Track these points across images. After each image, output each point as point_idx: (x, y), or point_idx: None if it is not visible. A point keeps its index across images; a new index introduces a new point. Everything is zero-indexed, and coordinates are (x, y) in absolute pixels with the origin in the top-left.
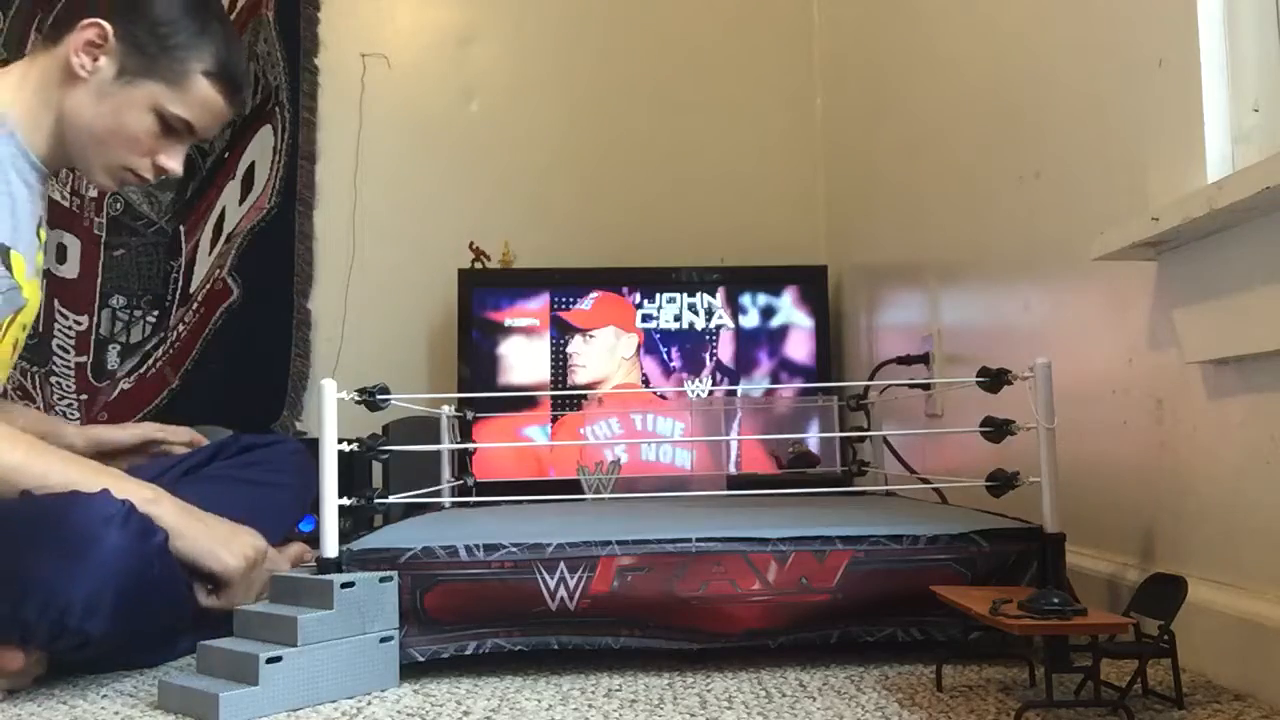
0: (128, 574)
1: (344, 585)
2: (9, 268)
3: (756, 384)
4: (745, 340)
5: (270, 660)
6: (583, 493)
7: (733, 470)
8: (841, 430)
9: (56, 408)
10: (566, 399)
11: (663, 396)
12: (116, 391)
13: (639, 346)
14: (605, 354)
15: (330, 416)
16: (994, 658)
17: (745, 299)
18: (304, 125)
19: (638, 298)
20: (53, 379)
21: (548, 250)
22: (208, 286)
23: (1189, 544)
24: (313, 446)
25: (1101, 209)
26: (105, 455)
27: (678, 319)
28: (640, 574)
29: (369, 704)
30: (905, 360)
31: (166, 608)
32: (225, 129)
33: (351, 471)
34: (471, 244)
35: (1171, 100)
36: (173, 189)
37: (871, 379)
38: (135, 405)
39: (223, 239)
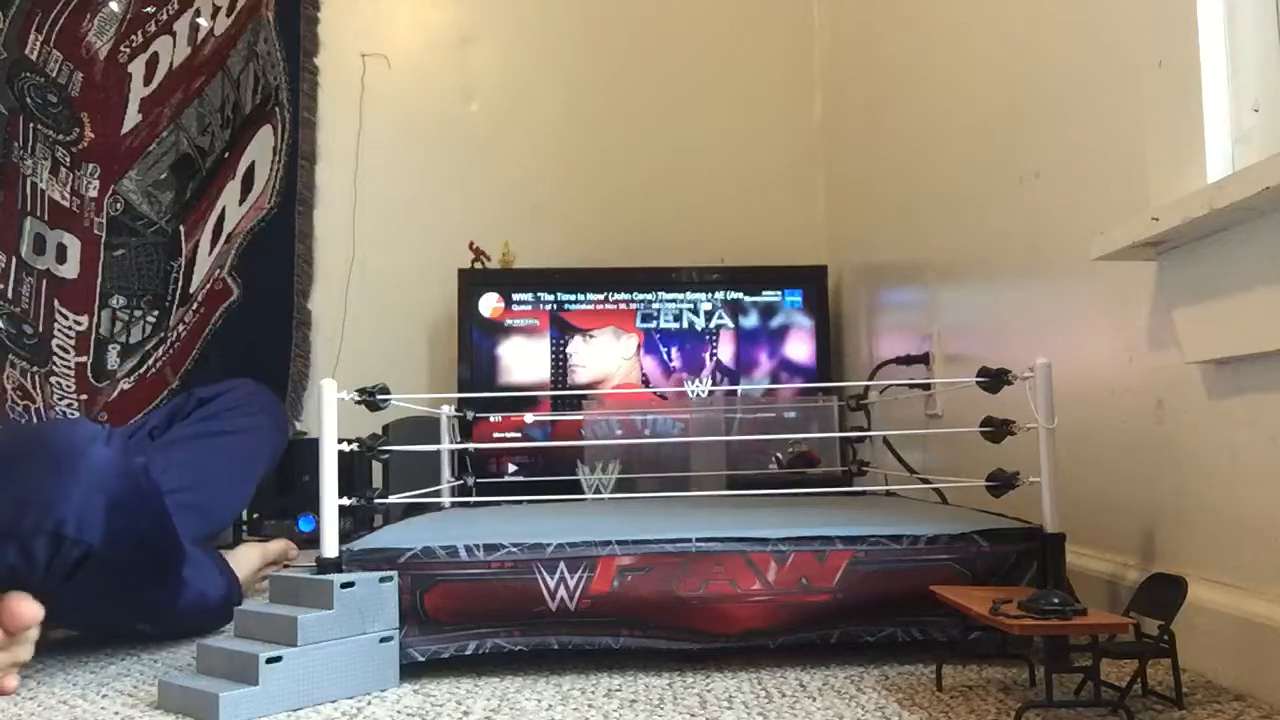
0: (116, 485)
1: (344, 585)
2: None
3: (756, 384)
4: (745, 340)
5: (270, 660)
6: (583, 493)
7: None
8: (841, 430)
9: (56, 408)
10: (566, 399)
11: (663, 396)
12: (116, 391)
13: (639, 346)
14: (605, 354)
15: (330, 416)
16: (994, 658)
17: (745, 299)
18: (304, 125)
19: (638, 297)
20: (53, 379)
21: (548, 250)
22: (208, 286)
23: (1189, 544)
24: (313, 446)
25: (1101, 209)
26: None
27: (678, 319)
28: (640, 574)
29: (369, 704)
30: (905, 360)
31: (155, 526)
32: (225, 128)
33: (351, 471)
34: (471, 244)
35: (1171, 100)
36: (173, 189)
37: (871, 379)
38: (135, 405)
39: (223, 239)
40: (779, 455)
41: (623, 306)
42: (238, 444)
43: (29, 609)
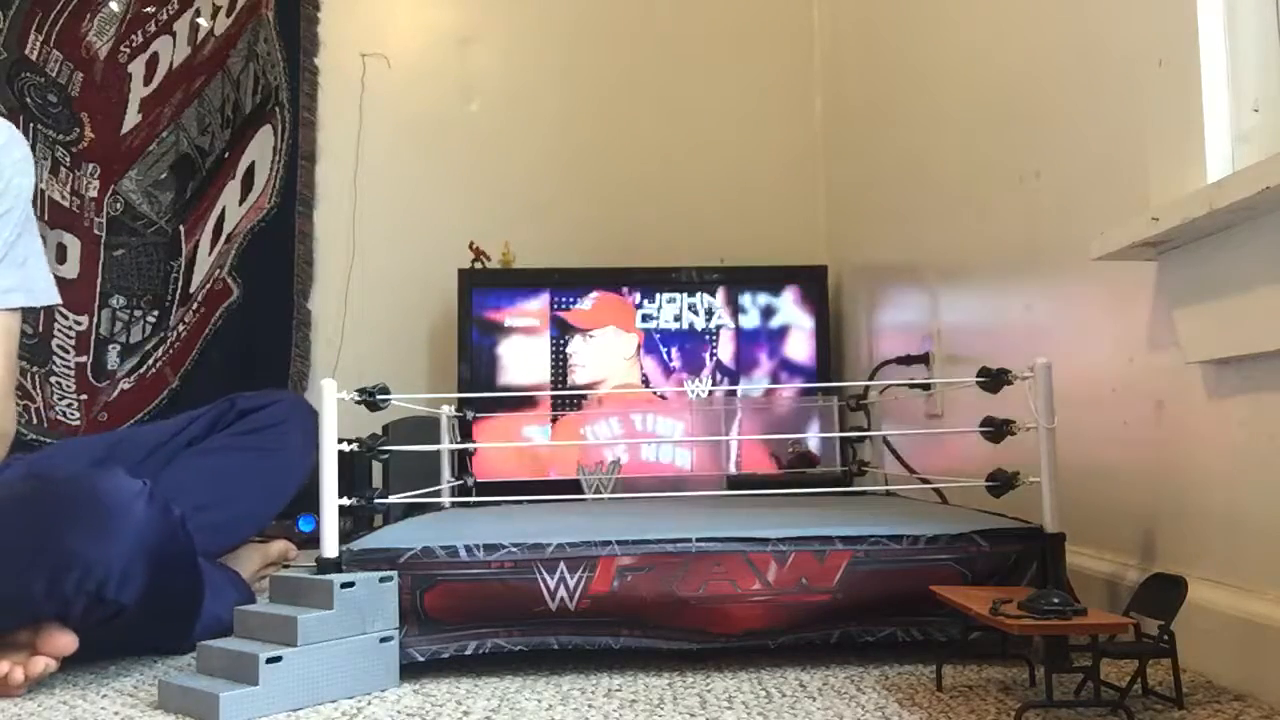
0: (156, 544)
1: (344, 585)
2: None
3: (756, 384)
4: (745, 340)
5: (270, 660)
6: (583, 493)
7: (733, 470)
8: (841, 430)
9: (56, 407)
10: (566, 399)
11: (663, 396)
12: (116, 391)
13: (639, 346)
14: (605, 354)
15: (330, 416)
16: (994, 658)
17: (745, 299)
18: (304, 125)
19: (638, 298)
20: (53, 379)
21: (548, 250)
22: (208, 286)
23: (1189, 544)
24: None
25: (1101, 209)
26: None
27: (678, 319)
28: (640, 574)
29: (369, 704)
30: (905, 360)
31: (185, 576)
32: (225, 128)
33: (351, 471)
34: (471, 244)
35: (1171, 100)
36: (172, 189)
37: (871, 379)
38: (135, 405)
39: (223, 239)
40: (779, 455)
41: (623, 307)
42: (270, 466)
43: (67, 640)
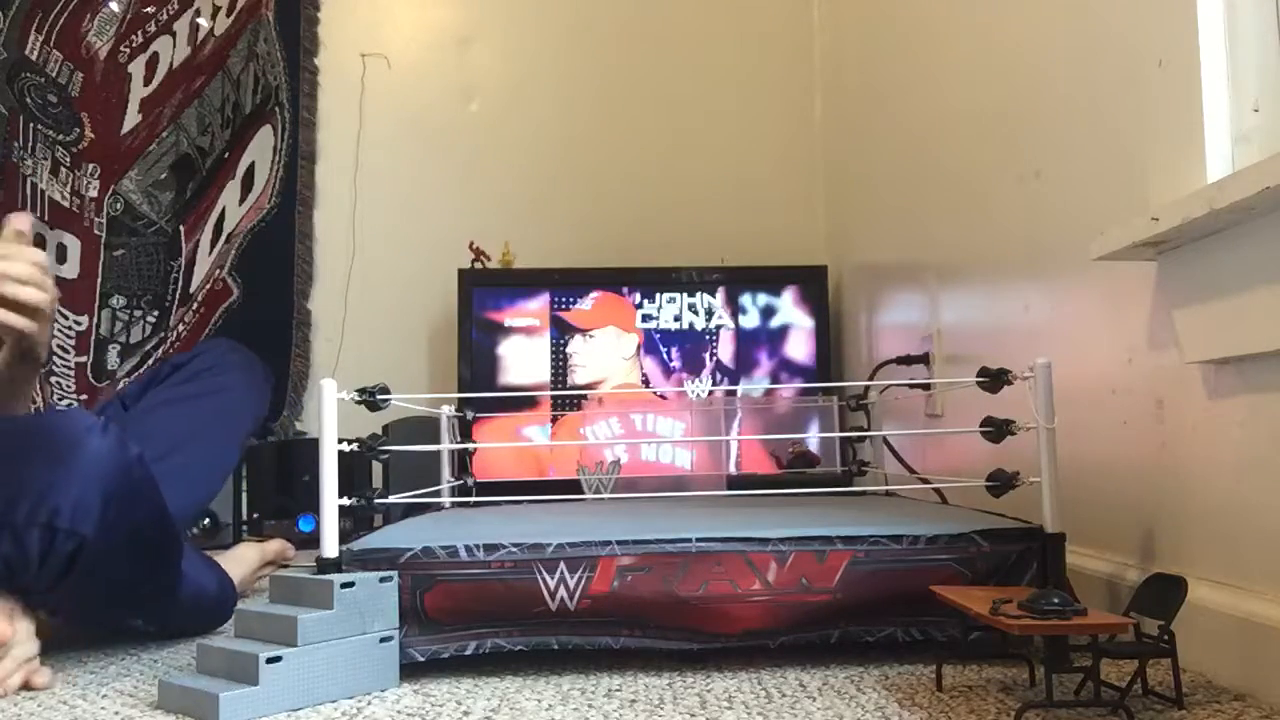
0: (112, 477)
1: (344, 585)
2: None
3: (756, 384)
4: (745, 340)
5: (270, 660)
6: (583, 493)
7: (733, 470)
8: (841, 430)
9: (56, 408)
10: (566, 399)
11: (663, 396)
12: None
13: (639, 346)
14: (605, 354)
15: (330, 416)
16: (994, 658)
17: (745, 299)
18: (304, 125)
19: (638, 298)
20: (53, 379)
21: (548, 250)
22: (208, 286)
23: (1189, 544)
24: (313, 446)
25: (1101, 209)
26: None
27: (678, 319)
28: (640, 574)
29: (369, 704)
30: (905, 360)
31: (152, 517)
32: (225, 128)
33: (351, 471)
34: (471, 244)
35: (1171, 100)
36: (172, 189)
37: (871, 379)
38: None
39: (223, 239)
40: (779, 455)
41: (623, 307)
42: (214, 404)
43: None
